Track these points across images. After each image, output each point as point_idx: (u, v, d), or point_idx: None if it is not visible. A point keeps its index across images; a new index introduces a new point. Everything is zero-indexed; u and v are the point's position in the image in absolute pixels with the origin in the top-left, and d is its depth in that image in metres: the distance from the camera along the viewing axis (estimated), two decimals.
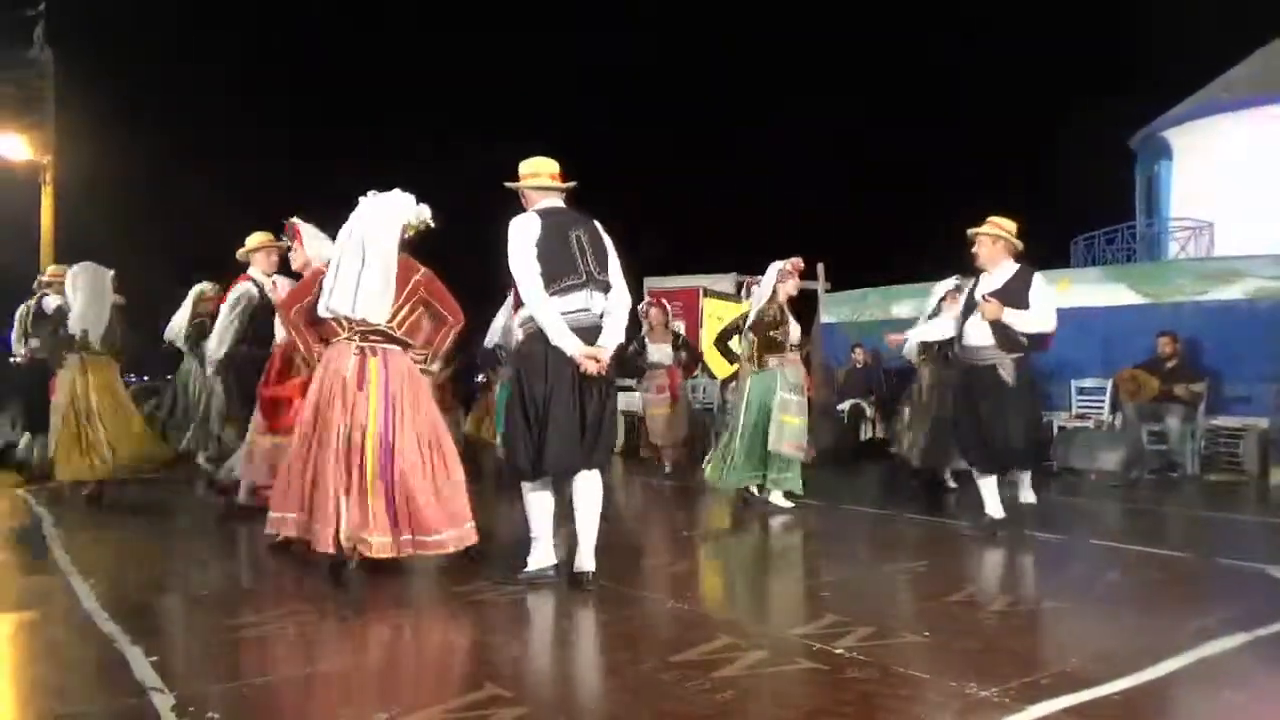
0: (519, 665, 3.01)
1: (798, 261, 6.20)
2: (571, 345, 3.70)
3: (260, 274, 5.71)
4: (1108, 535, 5.27)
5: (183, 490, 6.80)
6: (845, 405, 10.47)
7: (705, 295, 12.09)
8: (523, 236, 3.78)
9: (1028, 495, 5.48)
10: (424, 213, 4.15)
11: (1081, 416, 8.96)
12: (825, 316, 12.46)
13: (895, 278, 11.90)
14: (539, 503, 3.91)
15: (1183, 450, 8.21)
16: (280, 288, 5.54)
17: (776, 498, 6.16)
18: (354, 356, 3.98)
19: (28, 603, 3.79)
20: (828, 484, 6.80)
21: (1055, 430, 8.80)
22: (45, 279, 7.65)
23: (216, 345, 5.69)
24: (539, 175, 3.95)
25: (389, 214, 4.05)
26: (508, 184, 4.02)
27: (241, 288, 5.68)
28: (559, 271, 3.74)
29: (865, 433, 10.38)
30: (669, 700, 2.54)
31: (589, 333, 3.77)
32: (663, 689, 2.63)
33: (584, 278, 3.78)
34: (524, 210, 3.93)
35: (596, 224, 3.95)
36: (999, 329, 5.01)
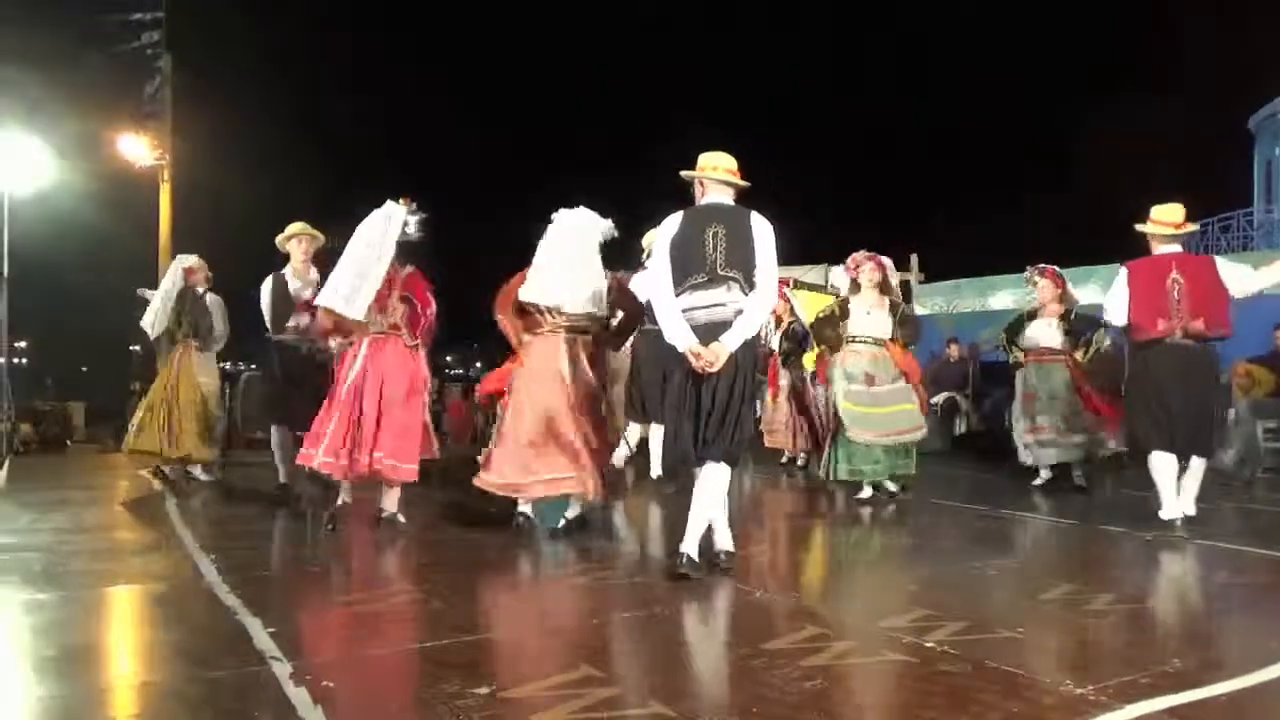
0: (612, 647, 3.10)
1: (857, 256, 6.32)
2: (680, 341, 3.77)
3: (293, 264, 6.05)
4: (1217, 535, 5.05)
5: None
6: (939, 399, 10.28)
7: (794, 287, 12.00)
8: (661, 236, 3.94)
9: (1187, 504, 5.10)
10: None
11: None
12: (919, 308, 12.25)
13: (991, 268, 11.62)
14: (694, 490, 3.93)
15: None
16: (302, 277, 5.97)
17: (888, 482, 6.26)
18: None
19: (156, 575, 4.07)
20: (921, 478, 6.71)
21: None
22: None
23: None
24: (717, 169, 3.99)
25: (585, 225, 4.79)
26: (683, 173, 4.08)
27: (270, 278, 6.08)
28: (688, 269, 3.82)
29: (959, 427, 10.18)
30: (758, 686, 2.59)
31: (714, 328, 3.76)
32: (752, 675, 2.68)
33: (709, 275, 3.80)
34: (691, 200, 4.05)
35: (753, 221, 3.90)
36: None
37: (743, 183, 4.01)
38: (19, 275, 10.72)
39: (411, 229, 4.99)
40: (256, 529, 5.30)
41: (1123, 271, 5.22)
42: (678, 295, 3.84)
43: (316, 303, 4.96)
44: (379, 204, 5.01)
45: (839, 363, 6.25)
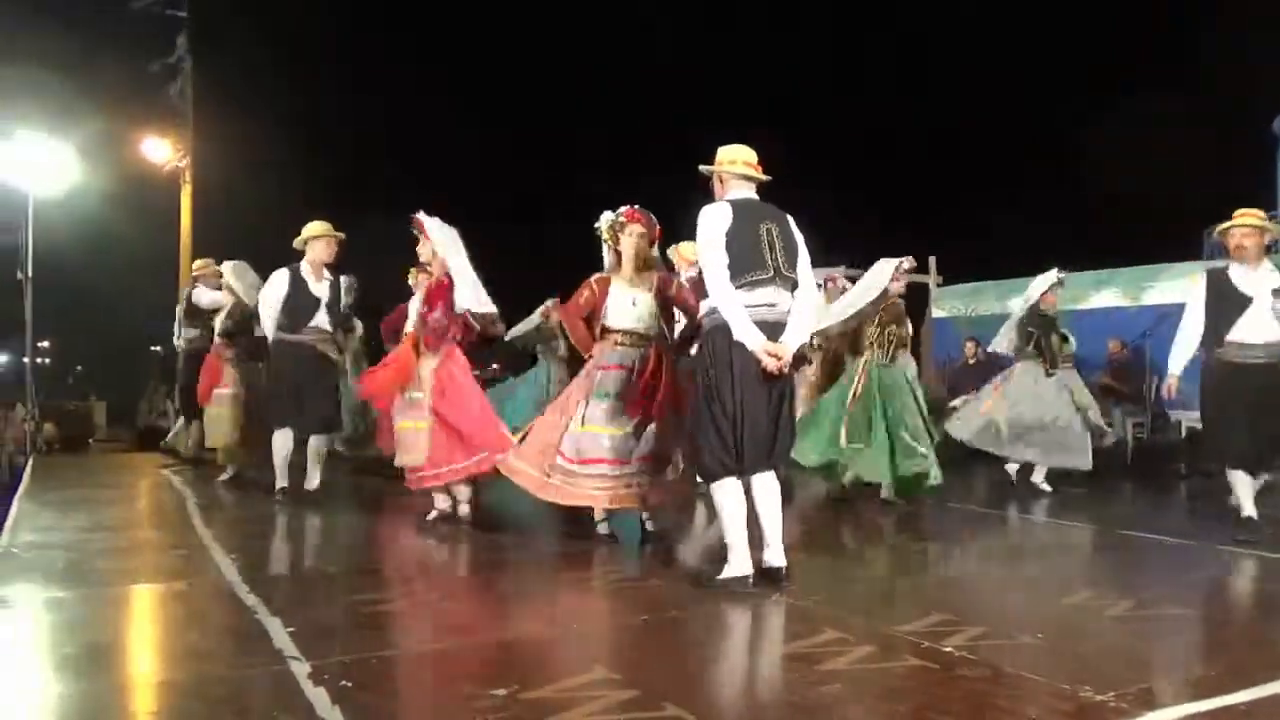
0: (628, 651, 3.10)
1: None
2: (753, 340, 3.59)
3: (307, 263, 5.98)
4: (1240, 541, 5.00)
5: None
6: (958, 401, 10.21)
7: None
8: (714, 226, 3.69)
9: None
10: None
11: None
12: (937, 311, 12.17)
13: (1010, 271, 11.52)
14: (733, 505, 3.71)
15: None
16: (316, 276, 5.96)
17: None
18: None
19: (176, 574, 4.10)
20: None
21: (1184, 431, 8.40)
22: (194, 272, 8.05)
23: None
24: (736, 162, 3.85)
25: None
26: (703, 167, 3.93)
27: (284, 275, 5.98)
28: (747, 265, 3.65)
29: None
30: (775, 691, 2.59)
31: (773, 328, 3.66)
32: (769, 680, 2.68)
33: (771, 273, 3.67)
34: (711, 197, 3.89)
35: (790, 219, 3.85)
36: None
37: (764, 176, 3.88)
38: (42, 276, 10.83)
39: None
40: (277, 529, 5.34)
41: None
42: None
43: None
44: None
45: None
